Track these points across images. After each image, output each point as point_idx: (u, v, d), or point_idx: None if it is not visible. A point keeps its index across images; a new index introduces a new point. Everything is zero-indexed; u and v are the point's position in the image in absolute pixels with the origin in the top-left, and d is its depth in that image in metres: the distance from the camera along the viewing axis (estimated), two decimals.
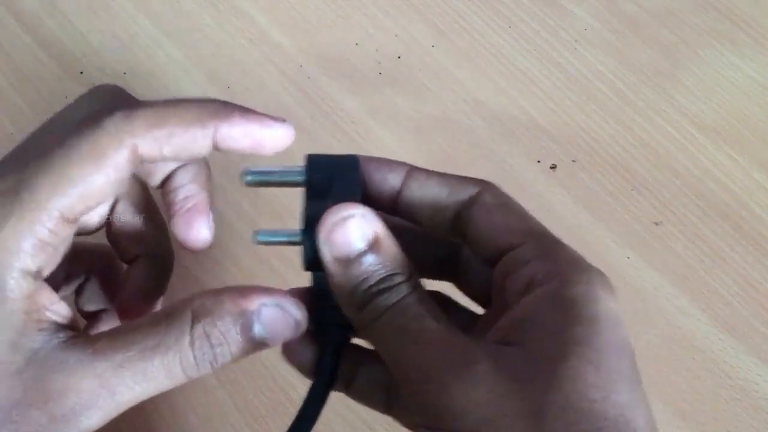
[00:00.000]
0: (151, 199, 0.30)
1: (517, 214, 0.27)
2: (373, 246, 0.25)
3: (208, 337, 0.25)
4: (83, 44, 0.51)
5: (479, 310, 0.30)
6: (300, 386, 0.41)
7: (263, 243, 0.27)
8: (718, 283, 0.43)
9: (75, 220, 0.25)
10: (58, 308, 0.25)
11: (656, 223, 0.45)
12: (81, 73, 0.50)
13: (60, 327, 0.25)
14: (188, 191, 0.28)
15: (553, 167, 0.47)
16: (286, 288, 0.28)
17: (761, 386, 0.40)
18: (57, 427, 0.23)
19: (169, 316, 0.25)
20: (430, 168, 0.47)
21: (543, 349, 0.23)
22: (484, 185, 0.27)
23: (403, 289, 0.24)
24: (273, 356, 0.42)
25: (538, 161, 0.47)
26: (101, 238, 0.32)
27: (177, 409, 0.40)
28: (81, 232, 0.27)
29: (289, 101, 0.49)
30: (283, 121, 0.26)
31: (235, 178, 0.46)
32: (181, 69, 0.50)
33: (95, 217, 0.29)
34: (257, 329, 0.25)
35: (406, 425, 0.28)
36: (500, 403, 0.21)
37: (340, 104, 0.49)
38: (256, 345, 0.26)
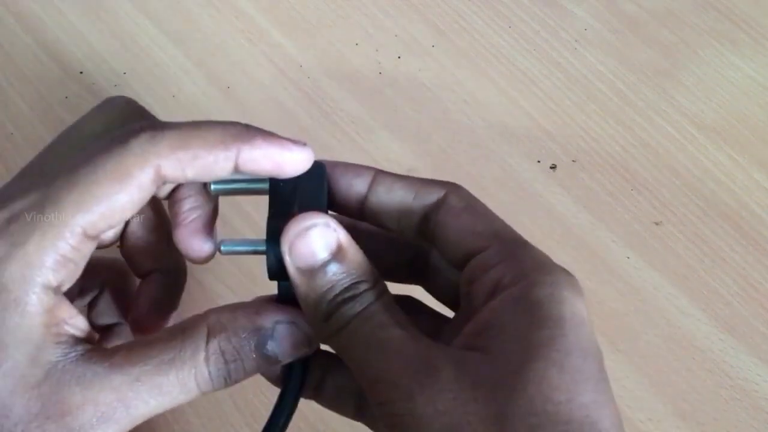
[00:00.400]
0: (165, 214, 0.30)
1: (484, 216, 0.27)
2: (337, 255, 0.25)
3: (223, 353, 0.25)
4: (83, 44, 0.51)
5: (449, 313, 0.30)
6: None
7: (227, 253, 0.27)
8: (718, 283, 0.43)
9: (96, 237, 0.25)
10: (76, 322, 0.25)
11: (656, 223, 0.45)
12: (81, 73, 0.50)
13: (78, 340, 0.25)
14: (194, 203, 0.28)
15: (553, 167, 0.47)
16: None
17: (761, 386, 0.40)
18: None
19: (185, 332, 0.25)
20: (432, 168, 0.47)
21: (508, 353, 0.23)
22: (450, 188, 0.27)
23: (368, 297, 0.24)
24: None
25: (538, 161, 0.47)
26: (114, 252, 0.32)
27: (177, 408, 0.40)
28: (96, 246, 0.28)
29: (289, 101, 0.49)
30: (304, 144, 0.26)
31: None
32: (181, 69, 0.50)
33: (110, 231, 0.29)
34: (271, 346, 0.25)
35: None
36: (464, 410, 0.21)
37: (340, 104, 0.49)
38: (269, 361, 0.26)
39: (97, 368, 0.24)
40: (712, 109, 0.50)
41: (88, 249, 0.25)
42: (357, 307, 0.24)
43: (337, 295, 0.24)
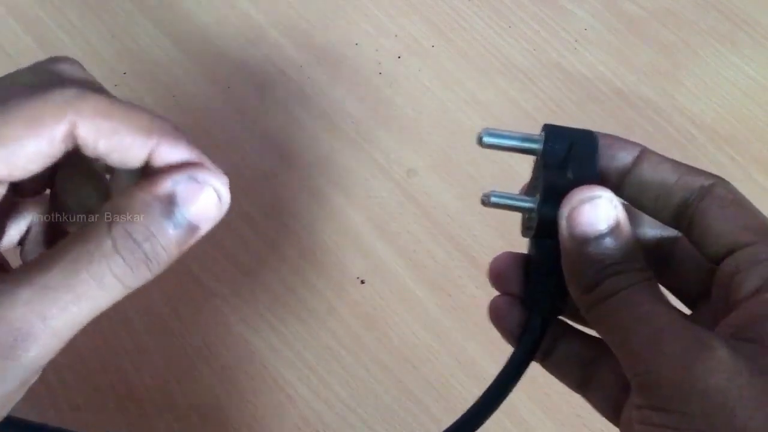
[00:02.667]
0: (91, 165, 0.28)
1: (752, 212, 0.26)
2: (614, 230, 0.25)
3: (130, 234, 0.23)
4: (83, 44, 0.51)
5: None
6: (300, 386, 0.41)
7: (494, 205, 0.28)
8: None
9: (2, 182, 0.24)
10: None
11: None
12: None
13: None
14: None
15: None
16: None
17: None
18: None
19: (84, 229, 0.23)
20: (432, 168, 0.47)
21: None
22: (718, 179, 0.27)
23: (637, 276, 0.25)
24: (272, 356, 0.42)
25: None
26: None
27: (178, 408, 0.40)
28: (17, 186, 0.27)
29: (289, 101, 0.49)
30: (223, 175, 0.25)
31: (235, 176, 0.46)
32: (181, 69, 0.50)
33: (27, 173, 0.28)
34: (178, 211, 0.24)
35: (598, 407, 0.28)
36: (739, 393, 0.21)
37: (340, 104, 0.49)
38: (186, 231, 0.24)
39: (0, 287, 0.22)
40: (712, 109, 0.50)
41: None
42: (627, 281, 0.24)
43: (606, 267, 0.25)
